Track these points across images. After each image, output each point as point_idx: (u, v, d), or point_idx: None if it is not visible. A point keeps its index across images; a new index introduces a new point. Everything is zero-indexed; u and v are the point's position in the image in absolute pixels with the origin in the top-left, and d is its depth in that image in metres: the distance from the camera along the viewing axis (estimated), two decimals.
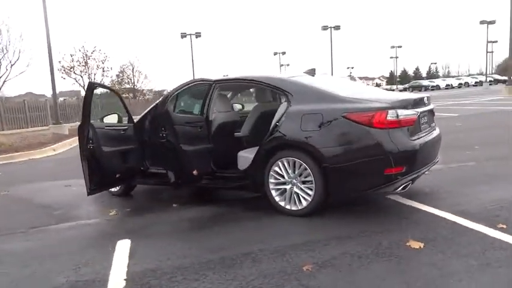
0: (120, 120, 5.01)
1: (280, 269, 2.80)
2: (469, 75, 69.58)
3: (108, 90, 5.20)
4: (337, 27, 44.62)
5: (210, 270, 2.86)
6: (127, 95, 39.34)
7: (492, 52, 53.77)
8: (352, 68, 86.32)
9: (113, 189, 5.27)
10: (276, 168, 3.94)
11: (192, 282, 2.71)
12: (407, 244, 3.03)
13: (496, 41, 54.75)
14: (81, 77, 36.51)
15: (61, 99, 32.36)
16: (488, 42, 50.56)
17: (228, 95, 6.09)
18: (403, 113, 3.55)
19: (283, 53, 66.19)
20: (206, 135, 4.41)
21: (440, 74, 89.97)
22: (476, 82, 52.38)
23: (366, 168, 3.51)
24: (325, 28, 44.54)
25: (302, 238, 3.33)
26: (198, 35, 41.11)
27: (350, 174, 3.58)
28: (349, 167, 3.55)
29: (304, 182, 3.81)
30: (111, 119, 4.93)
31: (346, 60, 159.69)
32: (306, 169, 3.75)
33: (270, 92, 5.00)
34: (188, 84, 4.67)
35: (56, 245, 3.72)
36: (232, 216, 4.13)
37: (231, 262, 2.98)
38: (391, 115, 3.48)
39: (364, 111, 3.51)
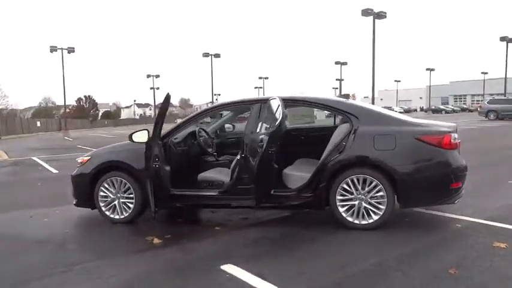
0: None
1: (427, 276, 3.04)
2: None
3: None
4: (217, 55, 46.36)
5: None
6: None
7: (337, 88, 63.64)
8: (219, 95, 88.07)
9: (116, 217, 4.71)
10: (345, 186, 4.17)
11: None
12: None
13: (343, 80, 64.39)
14: None
15: None
16: (337, 79, 59.87)
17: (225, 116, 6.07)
18: (456, 137, 4.24)
19: (157, 76, 65.16)
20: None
21: None
22: None
23: (436, 183, 4.04)
24: (206, 55, 45.80)
25: (394, 251, 3.61)
26: (70, 50, 37.57)
27: (422, 189, 4.05)
28: (421, 182, 4.03)
29: (373, 198, 4.12)
30: (141, 136, 4.45)
31: (216, 87, 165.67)
32: (377, 185, 4.08)
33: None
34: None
35: None
36: (301, 236, 4.15)
37: (369, 275, 3.08)
38: (453, 138, 4.12)
39: (435, 134, 4.07)
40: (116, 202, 4.74)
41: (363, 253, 3.56)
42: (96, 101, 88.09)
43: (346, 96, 5.18)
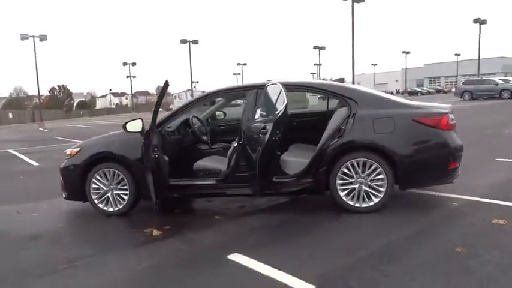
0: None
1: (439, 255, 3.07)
2: None
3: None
4: (195, 42, 45.56)
5: (378, 266, 2.92)
6: None
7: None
8: (197, 82, 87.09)
9: (110, 209, 4.60)
10: (345, 170, 4.16)
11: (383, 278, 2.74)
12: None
13: (321, 64, 64.57)
14: None
15: None
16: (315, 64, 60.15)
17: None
18: (452, 117, 4.28)
19: (134, 64, 63.74)
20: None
21: None
22: None
23: (435, 164, 4.08)
24: (184, 42, 44.94)
25: (398, 233, 3.65)
26: (42, 37, 36.16)
27: (422, 170, 4.09)
28: (421, 164, 4.07)
29: (373, 181, 4.14)
30: (136, 125, 4.30)
31: (194, 74, 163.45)
32: (377, 168, 4.09)
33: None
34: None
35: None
36: (302, 222, 4.14)
37: (379, 257, 3.09)
38: (450, 119, 4.16)
39: (433, 116, 4.09)
40: (109, 194, 4.60)
41: (368, 236, 3.58)
42: (71, 91, 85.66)
43: (341, 80, 5.15)
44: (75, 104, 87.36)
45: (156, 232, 3.99)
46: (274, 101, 3.97)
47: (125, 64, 63.09)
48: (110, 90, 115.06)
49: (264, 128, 3.82)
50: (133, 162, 4.42)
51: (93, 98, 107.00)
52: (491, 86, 27.66)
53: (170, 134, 4.77)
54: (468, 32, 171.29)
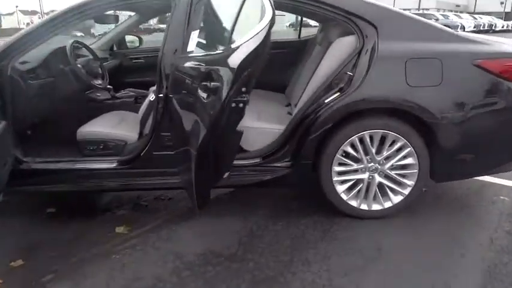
0: None
1: None
2: None
3: None
4: None
5: None
6: None
7: None
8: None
9: None
10: (348, 149, 2.38)
11: None
12: None
13: None
14: None
15: None
16: None
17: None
18: None
19: None
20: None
21: None
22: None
23: (504, 140, 2.41)
24: None
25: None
26: None
27: (481, 151, 2.41)
28: (482, 141, 2.39)
29: (394, 168, 2.43)
30: None
31: None
32: (404, 147, 2.36)
33: None
34: None
35: None
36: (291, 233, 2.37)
37: None
38: None
39: (507, 58, 2.33)
40: None
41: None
42: None
43: None
44: None
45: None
46: (233, 14, 1.93)
47: None
48: (17, 7, 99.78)
49: (209, 76, 1.82)
50: None
51: None
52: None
53: (26, 75, 2.53)
54: None
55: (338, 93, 2.33)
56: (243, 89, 1.77)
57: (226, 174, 2.19)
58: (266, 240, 2.31)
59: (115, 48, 3.80)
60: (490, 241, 2.26)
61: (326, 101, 2.34)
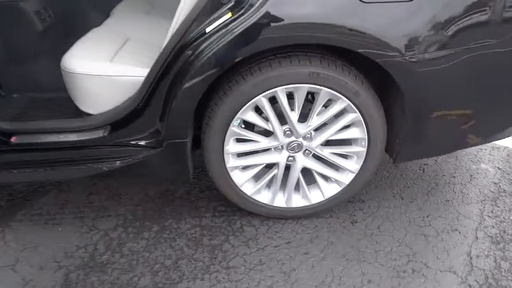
0: None
1: None
2: None
3: None
4: None
5: None
6: None
7: None
8: None
9: None
10: (249, 116, 1.34)
11: None
12: None
13: None
14: None
15: None
16: None
17: None
18: None
19: None
20: None
21: None
22: None
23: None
24: None
25: None
26: None
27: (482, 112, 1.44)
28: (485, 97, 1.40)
29: (330, 144, 1.46)
30: None
31: None
32: (347, 111, 1.36)
33: None
34: None
35: None
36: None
37: None
38: None
39: None
40: None
41: None
42: None
43: None
44: None
45: None
46: None
47: None
48: None
49: None
50: None
51: None
52: None
53: None
54: None
55: (229, 15, 1.21)
56: None
57: None
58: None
59: None
60: None
61: (207, 30, 1.22)
